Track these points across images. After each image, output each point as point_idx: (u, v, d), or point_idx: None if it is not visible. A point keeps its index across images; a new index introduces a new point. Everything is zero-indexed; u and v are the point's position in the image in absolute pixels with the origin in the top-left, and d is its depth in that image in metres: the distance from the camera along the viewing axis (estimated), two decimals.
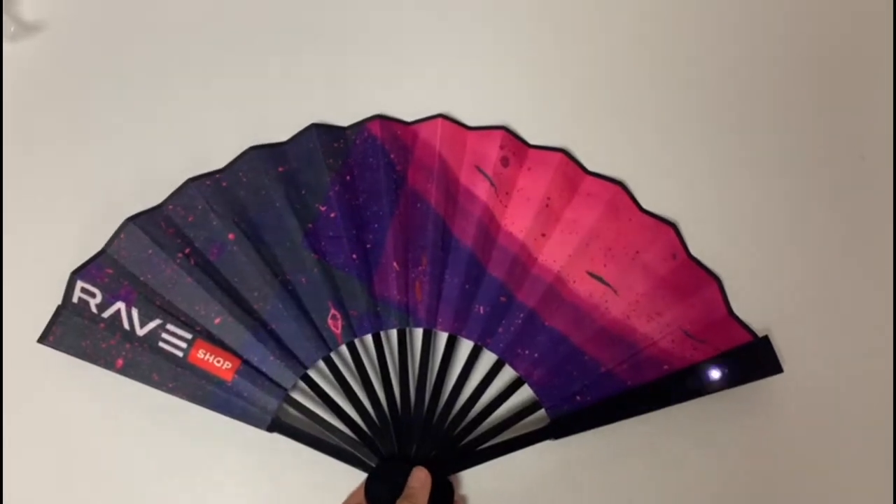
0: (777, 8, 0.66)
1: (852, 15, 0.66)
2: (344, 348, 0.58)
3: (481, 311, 0.58)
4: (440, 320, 0.58)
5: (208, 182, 0.61)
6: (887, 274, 0.59)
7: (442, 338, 0.59)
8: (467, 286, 0.58)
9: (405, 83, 0.64)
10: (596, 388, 0.56)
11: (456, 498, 0.55)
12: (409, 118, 0.63)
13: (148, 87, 0.66)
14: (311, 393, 0.57)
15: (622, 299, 0.58)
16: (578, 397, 0.56)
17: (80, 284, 0.58)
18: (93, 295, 0.58)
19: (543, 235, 0.59)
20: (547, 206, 0.59)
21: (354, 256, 0.59)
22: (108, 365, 0.56)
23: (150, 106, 0.65)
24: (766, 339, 0.56)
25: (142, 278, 0.58)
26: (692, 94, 0.63)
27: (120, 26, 0.68)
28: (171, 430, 0.58)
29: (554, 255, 0.59)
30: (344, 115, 0.63)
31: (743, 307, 0.57)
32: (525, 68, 0.65)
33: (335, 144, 0.62)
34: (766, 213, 0.61)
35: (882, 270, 0.59)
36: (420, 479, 0.53)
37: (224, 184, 0.61)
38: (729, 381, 0.55)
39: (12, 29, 0.66)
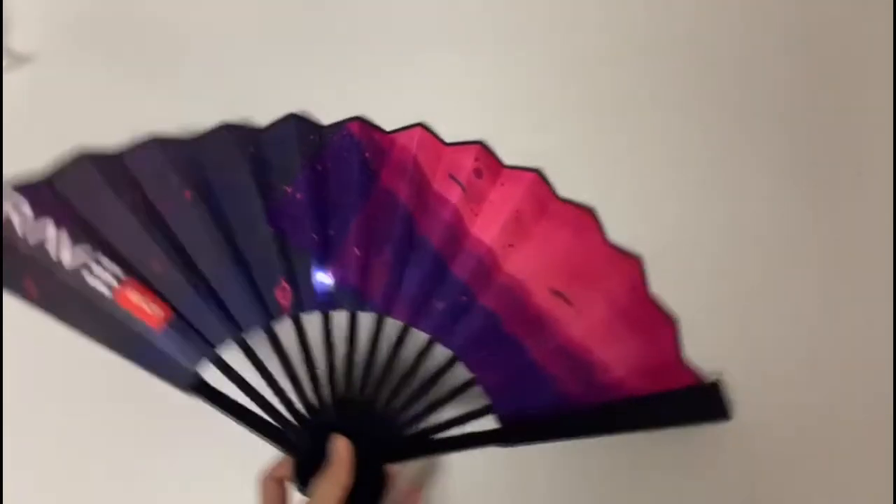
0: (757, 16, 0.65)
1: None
2: (290, 323, 0.54)
3: (439, 307, 0.55)
4: (396, 309, 0.55)
5: (172, 145, 0.59)
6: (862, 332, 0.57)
7: (394, 328, 0.55)
8: (428, 281, 0.56)
9: (390, 101, 0.64)
10: (548, 403, 0.53)
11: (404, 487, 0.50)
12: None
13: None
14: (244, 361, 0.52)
15: (582, 320, 0.56)
16: (530, 409, 0.53)
17: (12, 198, 0.53)
18: (20, 211, 0.53)
19: (511, 246, 0.58)
20: (516, 219, 0.59)
21: (315, 236, 0.57)
22: (21, 292, 0.50)
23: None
24: (716, 384, 0.54)
25: (82, 211, 0.54)
26: (672, 126, 0.63)
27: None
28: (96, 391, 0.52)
29: (519, 266, 0.58)
30: (322, 111, 0.63)
31: (698, 353, 0.56)
32: (507, 88, 0.66)
33: (311, 136, 0.61)
34: (735, 260, 0.60)
35: (854, 330, 0.58)
36: (342, 448, 0.47)
37: (190, 150, 0.59)
38: (677, 420, 0.53)
39: (4, 61, 0.66)
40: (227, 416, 0.50)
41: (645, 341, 0.56)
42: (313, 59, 0.66)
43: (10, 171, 0.57)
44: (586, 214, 0.60)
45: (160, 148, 0.58)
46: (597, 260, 0.58)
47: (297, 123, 0.61)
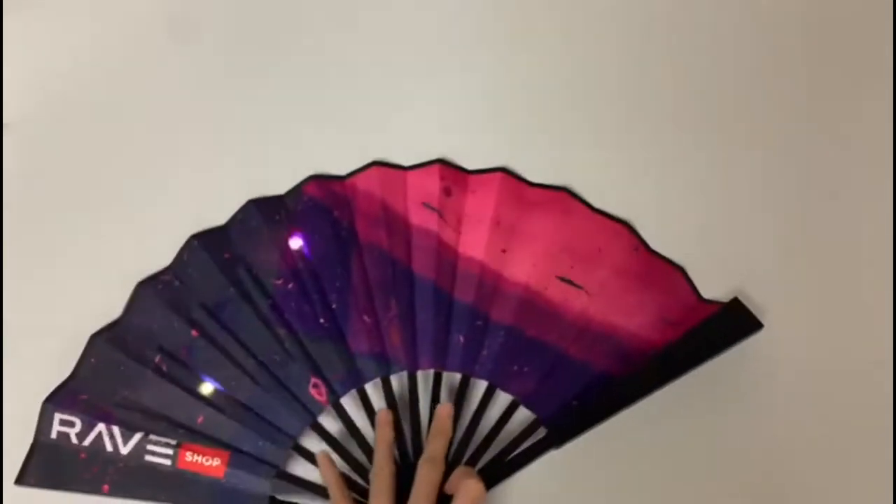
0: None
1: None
2: (331, 410, 0.56)
3: (461, 341, 0.57)
4: (421, 360, 0.57)
5: (160, 286, 0.59)
6: (855, 223, 0.59)
7: (428, 378, 0.57)
8: (440, 319, 0.57)
9: (334, 135, 0.65)
10: (591, 389, 0.55)
11: None
12: (343, 170, 0.63)
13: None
14: (308, 464, 0.55)
15: (596, 298, 0.57)
16: (575, 402, 0.54)
17: (58, 416, 0.56)
18: (72, 425, 0.56)
19: (504, 251, 0.59)
20: (499, 223, 0.59)
21: (322, 321, 0.58)
22: (94, 491, 0.54)
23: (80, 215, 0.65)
24: (736, 301, 0.55)
25: (118, 395, 0.56)
26: (628, 94, 0.65)
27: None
28: None
29: (519, 267, 0.58)
30: (277, 179, 0.63)
31: (711, 291, 0.57)
32: (449, 93, 0.66)
33: (276, 217, 0.61)
34: (719, 196, 0.61)
35: (848, 233, 0.59)
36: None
37: (176, 283, 0.60)
38: (714, 349, 0.54)
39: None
40: None
41: (661, 296, 0.57)
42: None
43: None
44: (563, 193, 0.60)
45: (152, 293, 0.59)
46: (589, 233, 0.59)
47: (258, 209, 0.61)
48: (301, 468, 0.55)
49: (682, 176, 0.62)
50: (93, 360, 0.57)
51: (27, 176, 0.67)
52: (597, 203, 0.61)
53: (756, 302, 0.56)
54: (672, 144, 0.63)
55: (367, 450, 0.54)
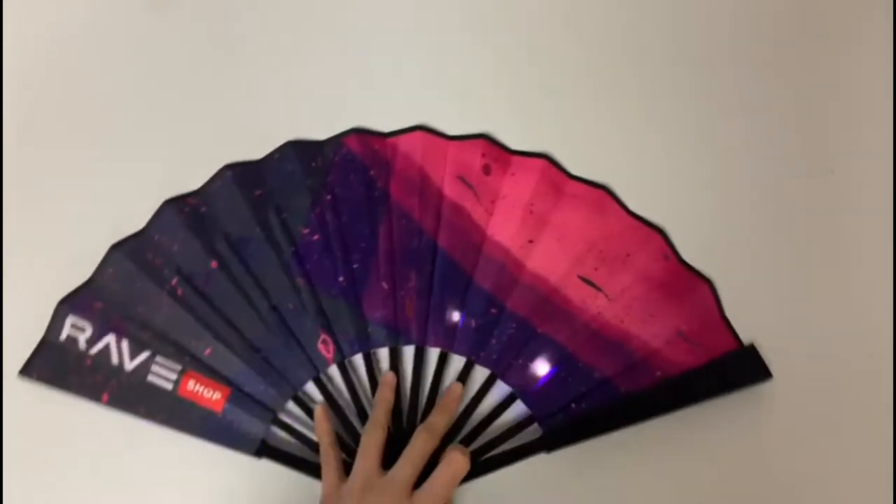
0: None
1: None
2: (334, 369, 0.57)
3: (472, 325, 0.57)
4: (431, 337, 0.57)
5: (186, 208, 0.60)
6: (882, 276, 0.58)
7: (434, 354, 0.57)
8: (457, 300, 0.57)
9: (383, 93, 0.64)
10: (591, 396, 0.55)
11: None
12: (387, 129, 0.62)
13: (119, 110, 0.65)
14: (303, 415, 0.56)
15: (615, 303, 0.57)
16: (573, 405, 0.55)
17: (70, 319, 0.57)
18: (82, 330, 0.57)
19: (531, 242, 0.58)
20: (531, 212, 0.58)
21: (341, 279, 0.58)
22: (94, 398, 0.55)
23: (123, 129, 0.65)
24: (752, 348, 0.55)
25: (131, 311, 0.57)
26: (678, 99, 0.63)
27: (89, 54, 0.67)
28: (155, 452, 0.56)
29: (543, 261, 0.58)
30: (321, 128, 0.62)
31: (733, 312, 0.56)
32: (504, 74, 0.64)
33: (313, 164, 0.61)
34: (756, 218, 0.60)
35: (876, 273, 0.58)
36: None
37: (203, 209, 0.60)
38: (720, 390, 0.54)
39: None
40: (295, 471, 0.54)
41: (684, 306, 0.57)
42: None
43: None
44: (602, 192, 0.59)
45: (176, 214, 0.59)
46: (620, 236, 0.58)
47: (296, 152, 0.61)
48: (296, 420, 0.56)
49: (729, 189, 0.61)
50: (111, 269, 0.58)
51: (64, 87, 0.67)
52: (634, 206, 0.59)
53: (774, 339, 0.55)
54: (723, 156, 0.61)
55: (363, 415, 0.55)
